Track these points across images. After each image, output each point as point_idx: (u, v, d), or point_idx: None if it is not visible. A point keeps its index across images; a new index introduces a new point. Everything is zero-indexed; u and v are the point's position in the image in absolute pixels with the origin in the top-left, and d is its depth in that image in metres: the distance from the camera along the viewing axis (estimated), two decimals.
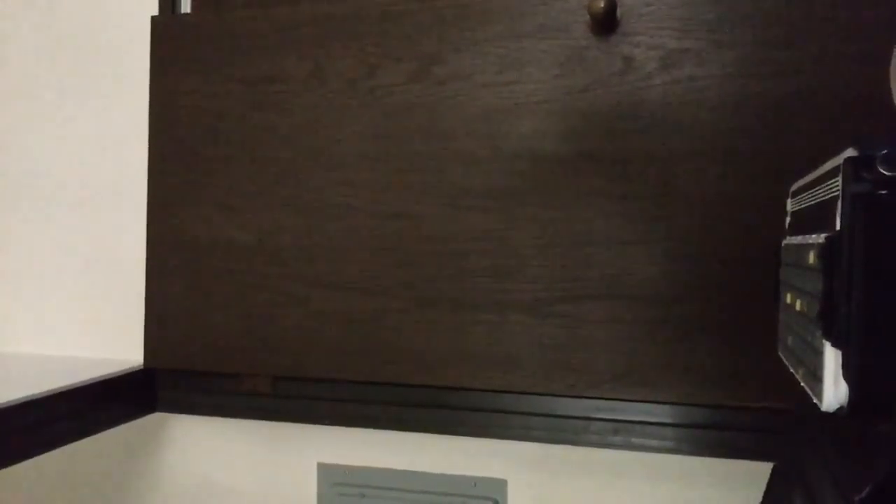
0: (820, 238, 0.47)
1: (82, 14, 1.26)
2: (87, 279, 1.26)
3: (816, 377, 0.47)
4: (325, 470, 1.17)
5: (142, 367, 1.18)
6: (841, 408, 0.44)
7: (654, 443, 0.99)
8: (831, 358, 0.45)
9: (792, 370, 0.59)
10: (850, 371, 0.43)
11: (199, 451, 1.24)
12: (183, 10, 1.21)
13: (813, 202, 0.56)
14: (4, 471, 0.93)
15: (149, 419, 1.21)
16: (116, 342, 1.24)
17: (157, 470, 1.26)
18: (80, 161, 1.26)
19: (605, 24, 0.97)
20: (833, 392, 0.44)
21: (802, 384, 0.52)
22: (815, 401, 0.47)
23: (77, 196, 1.26)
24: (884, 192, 0.43)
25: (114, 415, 1.13)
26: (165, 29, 1.18)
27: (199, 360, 1.15)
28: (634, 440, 1.00)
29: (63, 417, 1.02)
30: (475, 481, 1.10)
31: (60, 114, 1.27)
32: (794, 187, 0.70)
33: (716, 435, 0.97)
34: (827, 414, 0.45)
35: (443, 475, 1.12)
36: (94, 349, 1.26)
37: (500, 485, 1.09)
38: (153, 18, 1.19)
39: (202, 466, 1.24)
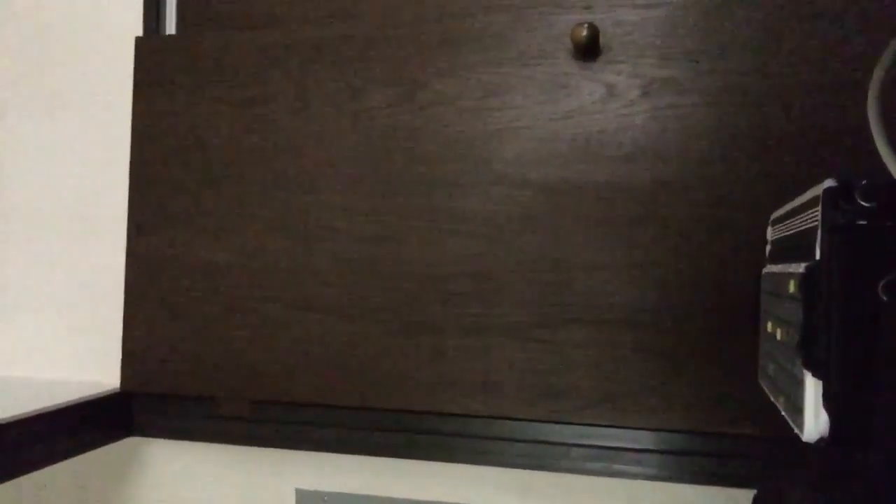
0: (800, 267, 0.47)
1: (65, 35, 1.25)
2: (65, 301, 1.24)
3: (797, 407, 0.47)
4: (303, 496, 1.15)
5: (118, 390, 1.16)
6: (821, 439, 0.44)
7: (635, 469, 0.99)
8: (812, 388, 0.45)
9: (772, 399, 0.59)
10: (830, 401, 0.43)
11: (176, 476, 1.21)
12: (167, 32, 1.21)
13: (793, 231, 0.56)
14: None
15: (124, 443, 1.19)
16: (93, 365, 1.22)
17: (133, 496, 1.23)
18: (60, 182, 1.25)
19: (588, 51, 0.98)
20: (814, 423, 0.44)
21: (783, 413, 0.52)
22: (795, 431, 0.47)
23: (56, 217, 1.25)
24: (863, 222, 0.43)
25: (89, 439, 1.11)
26: (149, 50, 1.17)
27: (177, 383, 1.13)
28: (615, 466, 1.00)
29: (37, 441, 1.00)
30: None
31: (42, 135, 1.26)
32: (774, 216, 0.70)
33: (696, 461, 0.97)
34: (807, 442, 0.45)
35: (423, 502, 1.10)
36: (70, 372, 1.24)
37: None
38: (137, 39, 1.18)
39: (178, 492, 1.21)
